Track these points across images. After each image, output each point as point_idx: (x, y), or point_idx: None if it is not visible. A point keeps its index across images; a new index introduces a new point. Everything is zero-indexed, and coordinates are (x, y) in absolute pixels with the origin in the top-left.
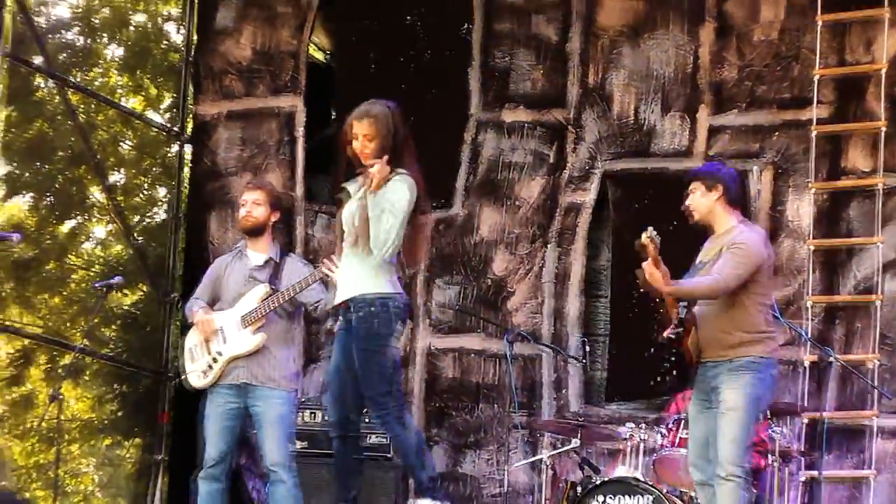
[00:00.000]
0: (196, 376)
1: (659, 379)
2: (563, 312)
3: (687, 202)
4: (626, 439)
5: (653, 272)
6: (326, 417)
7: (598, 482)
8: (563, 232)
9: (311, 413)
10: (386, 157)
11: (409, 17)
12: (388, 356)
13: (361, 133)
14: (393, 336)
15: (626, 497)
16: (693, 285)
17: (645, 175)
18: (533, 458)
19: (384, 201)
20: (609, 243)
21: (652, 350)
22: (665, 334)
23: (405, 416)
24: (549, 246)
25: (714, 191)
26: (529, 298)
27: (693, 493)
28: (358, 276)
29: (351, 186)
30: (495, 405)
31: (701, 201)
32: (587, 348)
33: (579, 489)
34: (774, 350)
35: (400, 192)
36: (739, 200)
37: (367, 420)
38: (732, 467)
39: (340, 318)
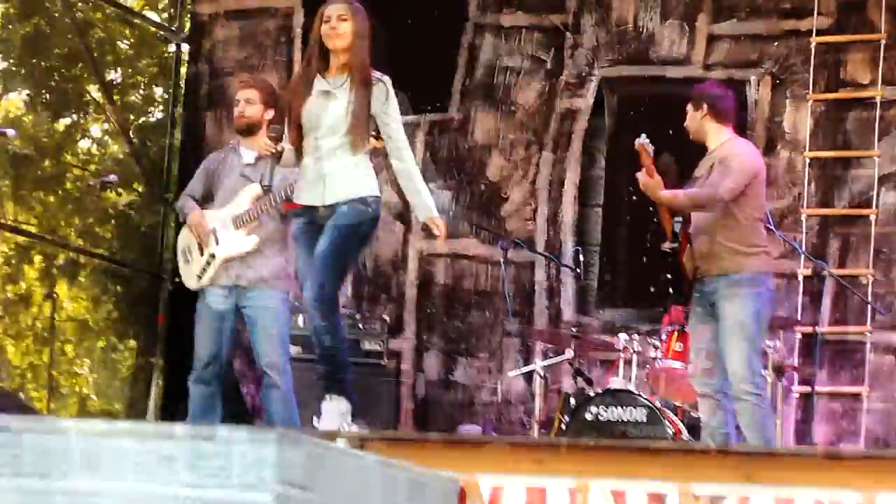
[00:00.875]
0: (190, 278)
1: (652, 289)
2: (558, 220)
3: (685, 124)
4: (620, 351)
5: (647, 181)
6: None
7: (591, 394)
8: (558, 138)
9: (304, 317)
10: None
11: None
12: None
13: (336, 14)
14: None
15: (620, 408)
16: (688, 196)
17: (643, 82)
18: (526, 369)
19: (392, 97)
20: (605, 151)
21: (644, 259)
22: (662, 247)
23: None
24: (544, 152)
25: (699, 109)
26: (524, 205)
27: (686, 406)
28: (353, 175)
29: (321, 83)
30: (487, 312)
31: (690, 122)
32: (581, 257)
33: (573, 400)
34: (770, 263)
35: (394, 101)
36: (729, 116)
37: (359, 326)
38: (745, 385)
39: (317, 215)
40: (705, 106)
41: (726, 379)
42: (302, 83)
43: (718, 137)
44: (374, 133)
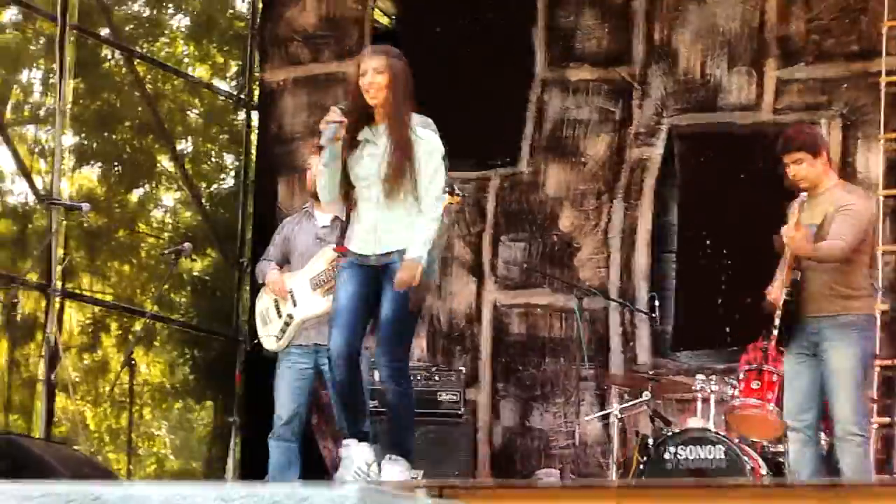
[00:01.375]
0: (269, 340)
1: (728, 329)
2: (631, 267)
3: (792, 174)
4: (697, 391)
5: (793, 234)
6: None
7: (669, 433)
8: (629, 187)
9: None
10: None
11: None
12: (417, 314)
13: (372, 67)
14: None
15: (699, 448)
16: (826, 248)
17: (712, 130)
18: (604, 412)
19: (427, 151)
20: (676, 199)
21: (720, 301)
22: (774, 295)
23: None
24: (615, 201)
25: (820, 157)
26: (596, 253)
27: (765, 443)
28: (406, 226)
29: (365, 133)
30: (562, 359)
31: (810, 171)
32: (656, 302)
33: (651, 442)
34: (874, 305)
35: (435, 139)
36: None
37: (436, 378)
38: (851, 426)
39: (369, 263)
40: (825, 153)
41: (820, 417)
42: (349, 134)
43: (828, 181)
44: (447, 190)
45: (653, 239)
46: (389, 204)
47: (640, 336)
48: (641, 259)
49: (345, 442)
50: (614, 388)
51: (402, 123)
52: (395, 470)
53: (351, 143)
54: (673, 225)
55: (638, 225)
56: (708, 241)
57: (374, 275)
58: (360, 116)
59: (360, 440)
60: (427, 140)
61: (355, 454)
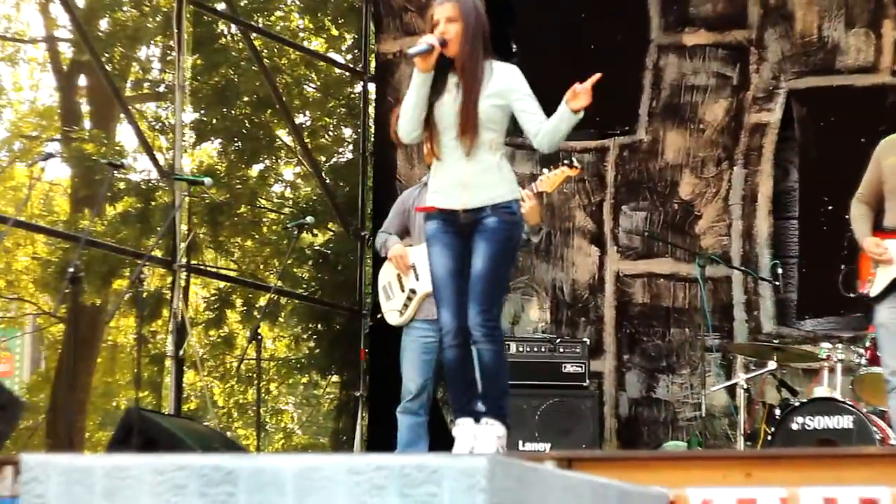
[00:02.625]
0: (393, 314)
1: (853, 296)
2: (753, 234)
3: None
4: (823, 359)
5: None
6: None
7: (796, 403)
8: (748, 153)
9: (505, 344)
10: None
11: None
12: (511, 270)
13: (444, 16)
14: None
15: (827, 417)
16: None
17: (830, 92)
18: (729, 382)
19: (515, 91)
20: (796, 163)
21: (843, 267)
22: (865, 290)
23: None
24: (735, 167)
25: None
26: (717, 221)
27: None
28: (496, 178)
29: (447, 78)
30: (687, 329)
31: None
32: (779, 269)
33: (777, 411)
34: None
35: (519, 75)
36: None
37: (560, 349)
38: None
39: (458, 219)
40: None
41: None
42: (432, 84)
43: None
44: (566, 162)
45: (773, 204)
46: (475, 154)
47: (764, 304)
48: (763, 225)
49: (459, 421)
50: (740, 358)
51: (475, 68)
52: (492, 434)
53: (434, 87)
54: (793, 190)
55: (758, 191)
56: (829, 206)
57: (465, 232)
58: (438, 64)
59: (476, 420)
60: (514, 75)
61: (470, 434)
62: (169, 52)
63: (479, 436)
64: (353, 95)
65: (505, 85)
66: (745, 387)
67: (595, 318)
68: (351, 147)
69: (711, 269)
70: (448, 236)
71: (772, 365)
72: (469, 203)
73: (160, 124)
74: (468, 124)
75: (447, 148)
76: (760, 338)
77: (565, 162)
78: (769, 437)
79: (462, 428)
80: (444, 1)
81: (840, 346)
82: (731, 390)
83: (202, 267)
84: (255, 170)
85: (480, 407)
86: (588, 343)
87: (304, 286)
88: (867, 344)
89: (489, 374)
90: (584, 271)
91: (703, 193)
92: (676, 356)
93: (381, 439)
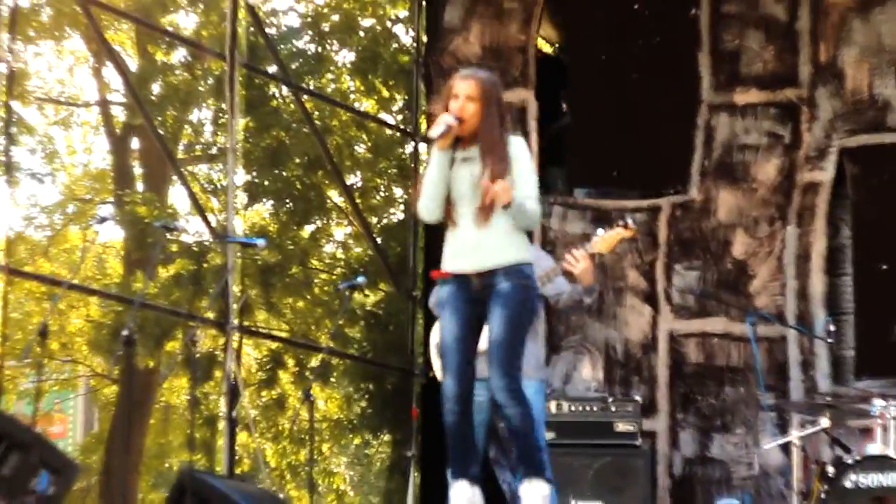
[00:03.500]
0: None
1: None
2: (807, 292)
3: None
4: (876, 416)
5: None
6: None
7: (850, 461)
8: (802, 211)
9: (557, 404)
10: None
11: (636, 4)
12: (530, 332)
13: (464, 93)
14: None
15: (880, 474)
16: None
17: (882, 150)
18: (782, 440)
19: (517, 158)
20: (848, 221)
21: None
22: None
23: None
24: (788, 226)
25: None
26: (771, 280)
27: None
28: (507, 242)
29: (462, 152)
30: (741, 388)
31: None
32: (833, 327)
33: (831, 469)
34: None
35: (525, 150)
36: None
37: (612, 408)
38: None
39: (470, 285)
40: None
41: None
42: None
43: None
44: (621, 223)
45: (827, 262)
46: (490, 219)
47: (819, 363)
48: (817, 284)
49: (455, 484)
50: (795, 416)
51: (497, 148)
52: (537, 494)
53: (451, 161)
54: (846, 247)
55: (811, 249)
56: (884, 264)
57: (479, 299)
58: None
59: (472, 483)
60: (518, 143)
61: (465, 497)
62: (221, 114)
63: (524, 495)
64: (403, 156)
65: (512, 155)
66: (799, 444)
67: (648, 377)
68: (402, 207)
69: (765, 328)
70: (459, 302)
71: (824, 422)
72: (481, 266)
73: (212, 186)
74: (491, 200)
75: (463, 216)
76: (815, 396)
77: (620, 223)
78: (823, 496)
79: (457, 491)
80: (467, 77)
81: (894, 402)
82: (786, 449)
83: (254, 328)
84: (307, 230)
85: (477, 471)
86: (640, 402)
87: (356, 346)
88: None
89: (520, 435)
90: (636, 330)
91: (757, 253)
92: (731, 415)
93: (434, 499)
